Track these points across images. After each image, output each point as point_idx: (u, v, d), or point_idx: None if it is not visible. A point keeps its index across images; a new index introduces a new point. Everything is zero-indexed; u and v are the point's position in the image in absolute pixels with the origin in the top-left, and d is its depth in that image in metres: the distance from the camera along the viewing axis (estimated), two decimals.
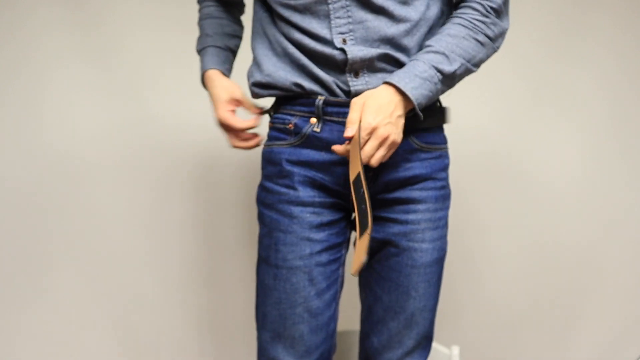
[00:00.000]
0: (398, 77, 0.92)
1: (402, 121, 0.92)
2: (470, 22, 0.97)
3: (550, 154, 1.67)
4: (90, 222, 1.51)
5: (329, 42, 0.94)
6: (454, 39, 0.95)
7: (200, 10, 1.17)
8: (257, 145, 1.08)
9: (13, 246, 1.47)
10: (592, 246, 1.69)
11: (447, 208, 1.05)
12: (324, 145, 0.97)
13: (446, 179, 1.05)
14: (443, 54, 0.94)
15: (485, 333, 1.71)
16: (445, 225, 1.05)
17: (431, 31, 0.98)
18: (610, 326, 1.70)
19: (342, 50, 0.94)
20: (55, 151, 1.48)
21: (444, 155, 1.05)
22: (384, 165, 0.96)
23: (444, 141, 1.05)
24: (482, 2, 0.99)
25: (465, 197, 1.67)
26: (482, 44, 0.98)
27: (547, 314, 1.71)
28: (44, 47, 1.46)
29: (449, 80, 0.96)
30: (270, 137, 1.04)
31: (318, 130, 0.97)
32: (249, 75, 1.05)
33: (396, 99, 0.91)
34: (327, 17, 0.94)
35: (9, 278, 1.46)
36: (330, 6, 0.93)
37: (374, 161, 0.90)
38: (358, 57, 0.93)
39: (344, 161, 0.97)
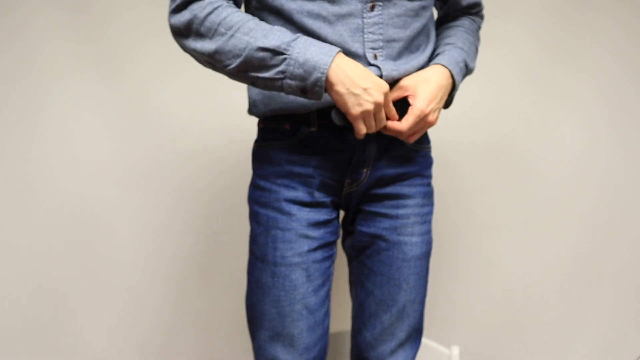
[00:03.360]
0: (448, 62, 0.97)
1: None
2: (474, 32, 1.08)
3: (550, 154, 1.67)
4: (89, 223, 1.51)
5: (359, 57, 0.92)
6: (468, 42, 1.04)
7: (227, 17, 0.87)
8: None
9: (13, 247, 1.47)
10: (592, 246, 1.69)
11: (432, 204, 1.08)
12: (322, 143, 0.97)
13: (431, 176, 1.09)
14: (466, 52, 1.02)
15: (485, 333, 1.71)
16: (431, 221, 1.08)
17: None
18: (610, 326, 1.69)
19: (377, 67, 0.92)
20: (55, 157, 1.48)
21: (429, 155, 1.09)
22: (377, 162, 1.00)
23: (428, 141, 1.09)
24: (475, 19, 1.10)
25: (466, 196, 1.68)
26: (476, 52, 1.07)
27: (547, 314, 1.70)
28: (44, 53, 1.44)
29: (464, 76, 1.03)
30: (264, 137, 1.02)
31: (315, 129, 0.97)
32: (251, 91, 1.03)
33: (447, 82, 0.96)
34: (359, 30, 0.92)
35: (9, 278, 1.47)
36: (365, 20, 0.92)
37: (411, 140, 0.95)
38: (391, 77, 0.93)
39: (342, 152, 0.98)
